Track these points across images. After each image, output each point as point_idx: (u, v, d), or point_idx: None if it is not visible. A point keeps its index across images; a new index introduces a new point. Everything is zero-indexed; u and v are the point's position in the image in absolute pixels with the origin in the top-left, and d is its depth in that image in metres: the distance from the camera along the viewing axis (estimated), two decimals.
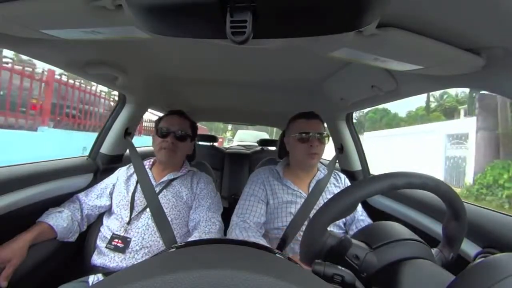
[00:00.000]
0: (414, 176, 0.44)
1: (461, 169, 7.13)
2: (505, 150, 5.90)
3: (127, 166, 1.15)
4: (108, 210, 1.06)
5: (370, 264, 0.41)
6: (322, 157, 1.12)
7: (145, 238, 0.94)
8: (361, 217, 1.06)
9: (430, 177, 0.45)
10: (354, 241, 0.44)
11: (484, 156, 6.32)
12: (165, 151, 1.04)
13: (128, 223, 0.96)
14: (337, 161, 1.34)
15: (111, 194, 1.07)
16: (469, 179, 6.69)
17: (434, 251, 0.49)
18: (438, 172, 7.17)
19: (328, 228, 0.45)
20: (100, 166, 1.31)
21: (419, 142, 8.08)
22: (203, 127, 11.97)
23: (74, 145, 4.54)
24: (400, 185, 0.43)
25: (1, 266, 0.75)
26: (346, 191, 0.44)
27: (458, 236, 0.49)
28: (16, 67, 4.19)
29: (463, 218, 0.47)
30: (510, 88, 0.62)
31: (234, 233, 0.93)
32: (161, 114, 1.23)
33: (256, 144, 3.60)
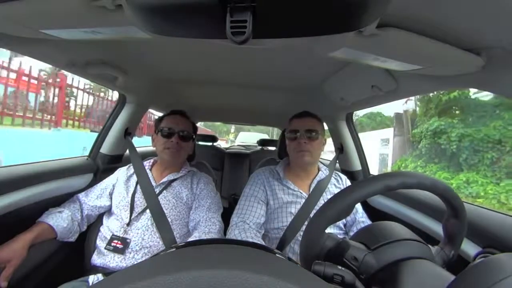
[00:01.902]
0: (410, 176, 0.44)
1: (385, 161, 10.68)
2: (408, 150, 9.28)
3: (127, 166, 1.14)
4: (108, 211, 1.06)
5: (369, 265, 0.41)
6: (322, 157, 1.11)
7: (145, 238, 0.94)
8: (361, 218, 1.06)
9: (426, 176, 0.45)
10: (352, 242, 0.44)
11: (398, 153, 9.98)
12: (169, 151, 1.04)
13: (128, 224, 0.96)
14: (337, 161, 1.34)
15: (111, 194, 1.07)
16: (389, 168, 10.17)
17: (435, 249, 0.49)
18: (374, 164, 10.30)
19: (328, 229, 0.45)
20: (100, 166, 1.31)
21: (367, 143, 11.31)
22: (207, 130, 12.33)
23: None
24: (395, 185, 0.43)
25: (1, 266, 0.75)
26: (341, 194, 0.44)
27: (459, 234, 0.49)
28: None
29: (462, 216, 0.47)
30: (510, 88, 0.62)
31: (233, 234, 0.93)
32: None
33: (256, 144, 3.61)
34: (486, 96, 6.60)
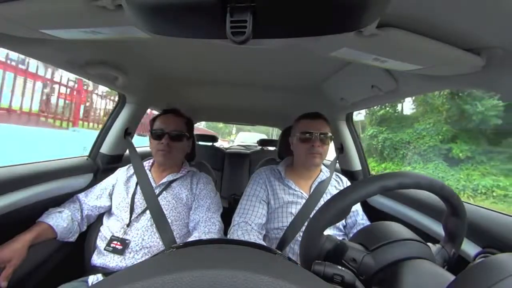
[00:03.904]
0: (406, 176, 0.44)
1: None
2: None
3: (127, 166, 1.14)
4: (108, 211, 1.06)
5: (368, 266, 0.41)
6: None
7: (144, 239, 0.94)
8: (361, 221, 1.06)
9: (423, 175, 0.45)
10: (350, 244, 0.44)
11: None
12: (161, 153, 1.03)
13: (128, 225, 0.96)
14: (337, 161, 1.34)
15: (110, 195, 1.07)
16: None
17: (436, 247, 0.49)
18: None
19: (328, 231, 0.45)
20: (100, 166, 1.31)
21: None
22: (210, 131, 12.65)
23: None
24: (392, 186, 0.42)
25: (1, 266, 0.75)
26: (338, 196, 0.44)
27: (459, 232, 0.49)
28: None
29: (462, 214, 0.47)
30: (510, 88, 0.62)
31: (236, 235, 0.93)
32: None
33: (256, 144, 3.62)
34: (408, 111, 9.94)
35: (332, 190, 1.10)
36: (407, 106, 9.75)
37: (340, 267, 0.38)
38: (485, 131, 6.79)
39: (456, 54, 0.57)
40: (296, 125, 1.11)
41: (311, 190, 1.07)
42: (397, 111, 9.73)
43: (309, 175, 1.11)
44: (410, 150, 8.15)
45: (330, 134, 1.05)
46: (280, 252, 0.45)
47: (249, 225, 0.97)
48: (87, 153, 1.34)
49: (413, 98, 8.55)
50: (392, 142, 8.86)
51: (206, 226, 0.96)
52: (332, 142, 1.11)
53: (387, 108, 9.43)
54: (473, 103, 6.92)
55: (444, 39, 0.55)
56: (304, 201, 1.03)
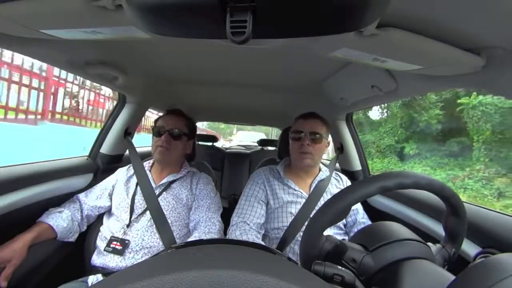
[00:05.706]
0: (406, 177, 0.44)
1: (328, 154, 15.37)
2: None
3: (127, 167, 1.14)
4: (108, 211, 1.06)
5: (368, 266, 0.41)
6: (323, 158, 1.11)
7: (144, 239, 0.94)
8: (362, 219, 1.06)
9: (422, 175, 0.45)
10: (350, 244, 0.44)
11: (332, 150, 14.58)
12: (160, 149, 1.04)
13: (128, 225, 0.96)
14: (337, 161, 1.34)
15: (110, 195, 1.07)
16: (330, 155, 14.44)
17: (436, 247, 0.49)
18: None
19: (329, 230, 0.45)
20: (100, 166, 1.31)
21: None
22: (212, 132, 12.95)
23: None
24: (391, 186, 0.42)
25: (1, 266, 0.75)
26: (338, 197, 0.43)
27: (459, 232, 0.49)
28: None
29: (462, 213, 0.47)
30: (510, 88, 0.62)
31: (234, 235, 0.93)
32: None
33: (256, 144, 3.63)
34: (375, 117, 11.26)
35: (333, 189, 1.10)
36: (376, 113, 11.34)
37: (340, 267, 0.38)
38: (431, 134, 8.59)
39: (456, 54, 0.57)
40: (292, 125, 1.12)
41: (311, 190, 1.07)
42: (368, 116, 11.54)
43: (307, 175, 1.11)
44: (374, 148, 10.10)
45: (322, 134, 1.04)
46: (280, 252, 0.45)
47: (248, 225, 0.97)
48: (87, 153, 1.34)
49: (380, 106, 10.17)
50: (361, 142, 10.93)
51: (206, 226, 0.96)
52: (332, 142, 1.10)
53: (360, 114, 11.00)
54: (421, 112, 8.64)
55: (444, 39, 0.55)
56: (304, 200, 1.03)
